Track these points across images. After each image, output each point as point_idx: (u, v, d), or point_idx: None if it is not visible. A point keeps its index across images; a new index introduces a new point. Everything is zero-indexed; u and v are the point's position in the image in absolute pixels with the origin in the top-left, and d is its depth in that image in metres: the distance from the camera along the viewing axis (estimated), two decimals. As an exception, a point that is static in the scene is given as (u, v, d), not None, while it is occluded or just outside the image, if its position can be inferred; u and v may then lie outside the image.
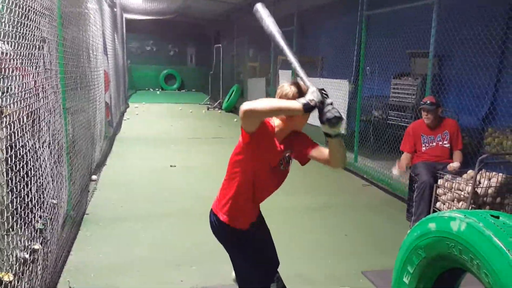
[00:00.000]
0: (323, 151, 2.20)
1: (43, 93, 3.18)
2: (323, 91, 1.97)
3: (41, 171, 3.01)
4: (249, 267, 2.34)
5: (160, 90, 22.58)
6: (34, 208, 2.78)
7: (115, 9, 11.78)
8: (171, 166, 6.90)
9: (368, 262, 3.77)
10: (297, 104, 1.96)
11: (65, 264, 3.54)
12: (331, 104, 1.94)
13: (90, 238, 4.10)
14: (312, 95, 1.94)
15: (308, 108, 1.95)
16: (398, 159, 4.73)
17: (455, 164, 4.21)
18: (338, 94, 7.33)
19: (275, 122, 2.22)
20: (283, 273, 2.55)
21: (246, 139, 2.09)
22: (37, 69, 3.06)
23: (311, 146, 2.26)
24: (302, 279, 3.43)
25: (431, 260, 2.17)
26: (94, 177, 5.83)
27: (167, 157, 7.54)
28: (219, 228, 2.30)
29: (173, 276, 3.44)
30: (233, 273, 2.79)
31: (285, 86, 2.19)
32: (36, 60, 3.03)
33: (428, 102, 4.50)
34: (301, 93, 2.11)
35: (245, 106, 1.91)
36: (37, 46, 3.04)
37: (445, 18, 5.35)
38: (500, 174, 3.84)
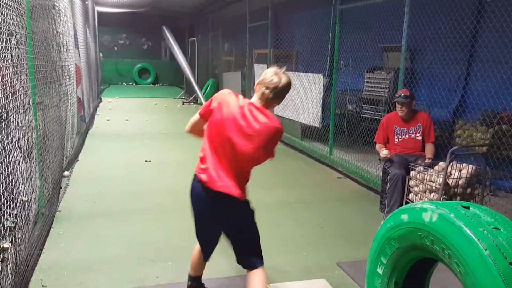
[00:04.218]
0: None
1: (11, 88, 3.10)
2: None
3: (10, 167, 2.94)
4: None
5: (134, 84, 22.29)
6: (3, 205, 2.71)
7: (86, 2, 11.54)
8: (146, 161, 6.82)
9: (342, 254, 3.82)
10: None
11: (37, 263, 3.46)
12: None
13: (63, 235, 4.03)
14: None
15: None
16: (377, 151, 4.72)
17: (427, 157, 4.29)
18: (313, 88, 7.37)
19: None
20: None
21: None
22: (5, 63, 2.98)
23: None
24: (278, 271, 3.44)
25: (404, 251, 2.20)
26: (66, 173, 5.72)
27: (141, 152, 7.44)
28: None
29: (149, 272, 3.41)
30: None
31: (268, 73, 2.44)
32: (3, 54, 2.95)
33: (402, 95, 4.55)
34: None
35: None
36: (4, 40, 2.96)
37: (416, 12, 5.43)
38: (470, 165, 3.93)
